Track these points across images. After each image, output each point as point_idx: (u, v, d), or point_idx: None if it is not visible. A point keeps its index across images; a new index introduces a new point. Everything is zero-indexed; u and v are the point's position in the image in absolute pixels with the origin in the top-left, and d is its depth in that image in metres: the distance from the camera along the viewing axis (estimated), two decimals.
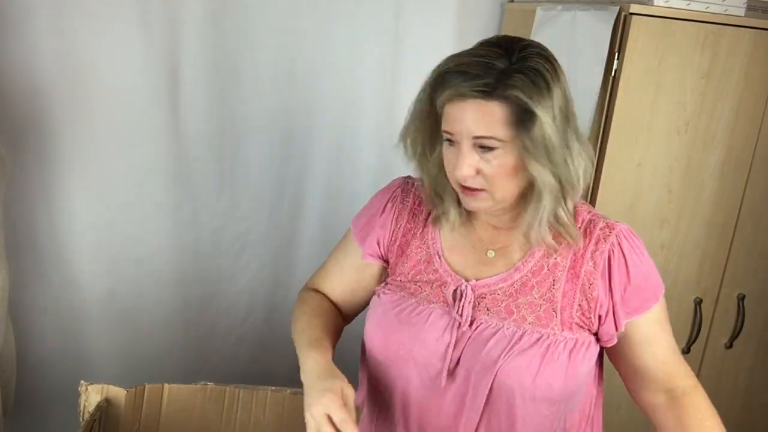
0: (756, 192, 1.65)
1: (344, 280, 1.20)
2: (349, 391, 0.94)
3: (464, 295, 1.02)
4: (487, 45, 0.95)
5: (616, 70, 1.49)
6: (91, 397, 1.16)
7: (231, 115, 1.77)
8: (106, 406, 1.17)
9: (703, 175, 1.61)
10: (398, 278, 1.09)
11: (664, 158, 1.57)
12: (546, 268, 1.02)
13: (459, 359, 1.01)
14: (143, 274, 1.79)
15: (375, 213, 1.15)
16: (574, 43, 1.55)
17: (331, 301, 1.21)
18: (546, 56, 0.94)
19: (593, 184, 1.57)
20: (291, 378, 1.26)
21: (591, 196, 1.57)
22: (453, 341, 1.01)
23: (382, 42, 1.83)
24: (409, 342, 1.03)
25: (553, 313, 1.00)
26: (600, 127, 1.54)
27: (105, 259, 1.74)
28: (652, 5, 1.46)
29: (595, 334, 1.03)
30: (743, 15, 1.53)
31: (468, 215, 1.07)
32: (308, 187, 1.90)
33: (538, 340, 0.98)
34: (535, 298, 1.01)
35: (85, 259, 1.73)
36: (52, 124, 1.61)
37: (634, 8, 1.45)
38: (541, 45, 0.96)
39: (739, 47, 1.52)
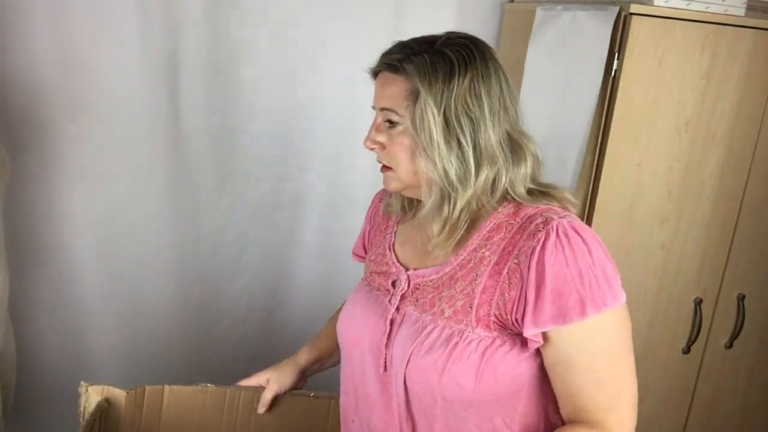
0: (756, 192, 1.65)
1: None
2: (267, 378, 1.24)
3: (400, 284, 1.03)
4: (428, 35, 0.98)
5: (616, 70, 1.49)
6: (92, 398, 1.16)
7: (231, 115, 1.77)
8: (106, 407, 1.17)
9: (703, 175, 1.61)
10: (366, 272, 1.15)
11: (664, 158, 1.57)
12: (473, 261, 0.96)
13: (392, 352, 1.00)
14: (143, 274, 1.79)
15: (364, 225, 1.23)
16: (574, 43, 1.55)
17: None
18: (468, 46, 0.94)
19: (593, 184, 1.57)
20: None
21: (591, 196, 1.57)
22: (387, 330, 1.01)
23: (382, 42, 1.82)
24: (360, 329, 1.06)
25: (470, 308, 0.94)
26: (600, 127, 1.54)
27: (105, 259, 1.74)
28: (652, 5, 1.45)
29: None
30: (743, 15, 1.53)
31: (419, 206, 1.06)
32: (308, 186, 1.90)
33: (449, 336, 0.93)
34: (456, 292, 0.96)
35: (84, 258, 1.73)
36: (52, 124, 1.61)
37: (634, 8, 1.45)
38: (475, 39, 0.97)
39: (739, 47, 1.52)
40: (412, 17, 1.83)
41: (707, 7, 1.50)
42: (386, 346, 1.01)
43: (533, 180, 0.98)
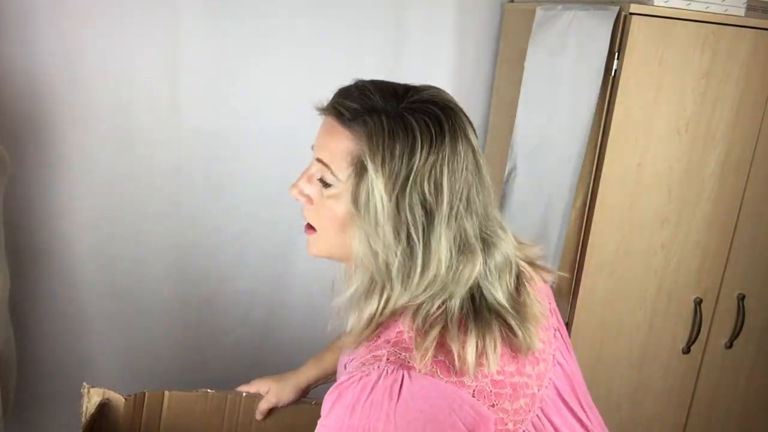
0: (756, 192, 1.65)
1: None
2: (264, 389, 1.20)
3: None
4: (402, 84, 0.82)
5: (616, 70, 1.49)
6: (93, 399, 1.15)
7: (231, 114, 1.77)
8: (108, 408, 1.17)
9: (703, 175, 1.61)
10: None
11: (664, 158, 1.57)
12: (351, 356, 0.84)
13: None
14: (143, 274, 1.79)
15: None
16: (574, 43, 1.55)
17: None
18: (439, 118, 0.77)
19: (593, 184, 1.57)
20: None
21: (591, 196, 1.57)
22: None
23: (382, 42, 1.83)
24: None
25: None
26: (600, 127, 1.54)
27: (105, 259, 1.74)
28: (652, 5, 1.45)
29: None
30: (743, 15, 1.53)
31: None
32: None
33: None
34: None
35: (85, 259, 1.73)
36: (52, 124, 1.61)
37: (634, 8, 1.45)
38: (449, 107, 0.80)
39: (739, 47, 1.52)
40: (412, 17, 1.83)
41: (707, 7, 1.50)
42: None
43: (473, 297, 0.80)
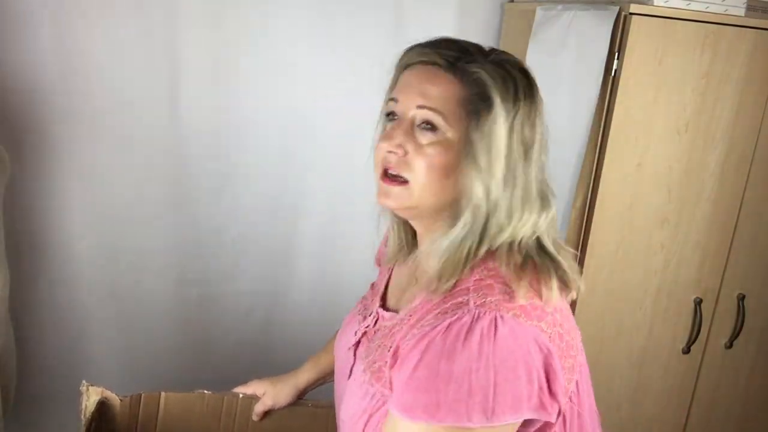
0: (756, 192, 1.65)
1: None
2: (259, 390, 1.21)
3: (369, 318, 0.97)
4: (472, 43, 0.87)
5: (616, 70, 1.49)
6: (92, 397, 1.15)
7: (231, 115, 1.76)
8: (106, 405, 1.17)
9: (703, 175, 1.61)
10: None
11: (664, 158, 1.57)
12: (407, 317, 0.86)
13: None
14: (143, 275, 1.79)
15: (384, 236, 1.16)
16: (574, 43, 1.55)
17: None
18: (527, 72, 0.85)
19: (593, 184, 1.57)
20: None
21: (591, 196, 1.58)
22: (351, 361, 0.97)
23: (382, 42, 1.83)
24: (338, 345, 1.04)
25: (385, 367, 0.84)
26: (600, 127, 1.54)
27: (105, 260, 1.74)
28: (652, 5, 1.45)
29: None
30: (743, 15, 1.53)
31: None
32: (308, 187, 1.90)
33: (366, 395, 0.85)
34: (386, 346, 0.86)
35: (85, 259, 1.73)
36: (52, 124, 1.61)
37: (634, 8, 1.45)
38: (527, 66, 0.87)
39: (739, 47, 1.52)
40: (412, 17, 1.83)
41: (707, 7, 1.50)
42: (348, 376, 0.97)
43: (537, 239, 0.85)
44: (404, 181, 0.84)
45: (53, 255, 1.71)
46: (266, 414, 1.24)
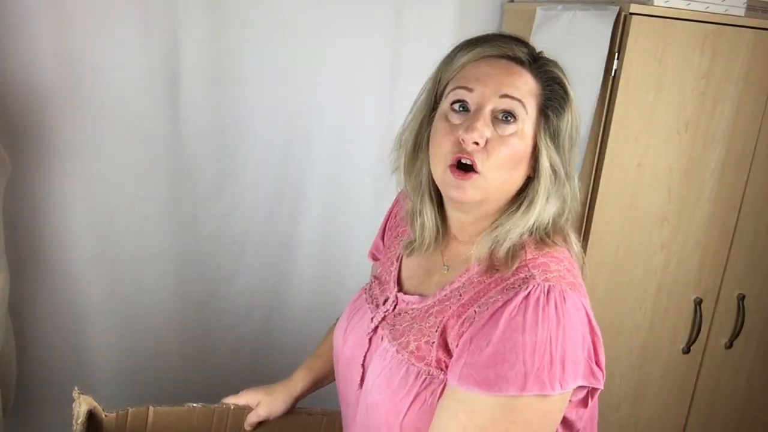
0: (756, 192, 1.65)
1: None
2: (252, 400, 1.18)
3: (387, 304, 0.98)
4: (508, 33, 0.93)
5: (616, 70, 1.49)
6: (83, 406, 1.13)
7: (231, 115, 1.76)
8: (95, 417, 1.15)
9: (703, 175, 1.61)
10: (372, 272, 1.12)
11: (664, 158, 1.57)
12: (452, 299, 0.88)
13: (366, 373, 0.96)
14: (143, 275, 1.79)
15: (383, 221, 1.17)
16: (574, 43, 1.55)
17: None
18: (565, 72, 0.92)
19: (593, 184, 1.57)
20: (290, 377, 1.26)
21: (591, 196, 1.57)
22: (366, 347, 0.97)
23: (382, 42, 1.83)
24: (345, 341, 1.04)
25: (431, 347, 0.86)
26: (600, 127, 1.54)
27: (105, 259, 1.74)
28: (652, 5, 1.45)
29: None
30: (743, 15, 1.53)
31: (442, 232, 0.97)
32: (308, 186, 1.90)
33: (409, 376, 0.86)
34: (425, 327, 0.88)
35: (85, 259, 1.72)
36: (52, 124, 1.61)
37: (634, 8, 1.45)
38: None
39: (739, 47, 1.52)
40: (412, 17, 1.83)
41: (707, 7, 1.50)
42: (363, 364, 0.98)
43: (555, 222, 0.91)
44: (475, 172, 0.85)
45: (53, 255, 1.70)
46: (259, 424, 1.21)
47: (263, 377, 1.39)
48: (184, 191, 1.78)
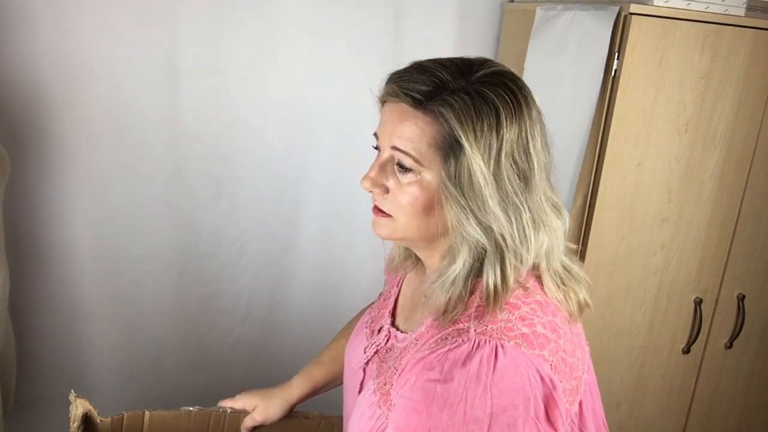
0: (756, 192, 1.65)
1: None
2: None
3: (380, 336, 0.96)
4: (456, 58, 0.83)
5: (616, 70, 1.49)
6: (80, 409, 1.12)
7: (231, 115, 1.76)
8: (90, 421, 1.14)
9: (703, 175, 1.61)
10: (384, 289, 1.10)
11: (664, 158, 1.57)
12: (415, 341, 0.85)
13: None
14: (143, 274, 1.79)
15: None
16: (574, 43, 1.55)
17: None
18: (513, 90, 0.79)
19: (593, 184, 1.57)
20: (290, 377, 1.26)
21: (591, 196, 1.57)
22: (360, 377, 0.97)
23: (382, 42, 1.83)
24: (348, 355, 1.03)
25: (391, 390, 0.83)
26: (600, 127, 1.54)
27: (105, 259, 1.74)
28: (652, 5, 1.45)
29: None
30: (743, 15, 1.53)
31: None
32: (308, 187, 1.90)
33: (373, 417, 0.84)
34: (395, 370, 0.85)
35: (85, 259, 1.72)
36: (52, 124, 1.61)
37: (634, 8, 1.45)
38: (516, 78, 0.82)
39: (739, 47, 1.52)
40: (412, 17, 1.83)
41: (707, 7, 1.50)
42: (358, 391, 0.97)
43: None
44: (385, 215, 0.84)
45: (53, 255, 1.70)
46: (254, 428, 1.20)
47: (263, 377, 1.39)
48: (184, 191, 1.78)
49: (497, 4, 1.93)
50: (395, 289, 1.02)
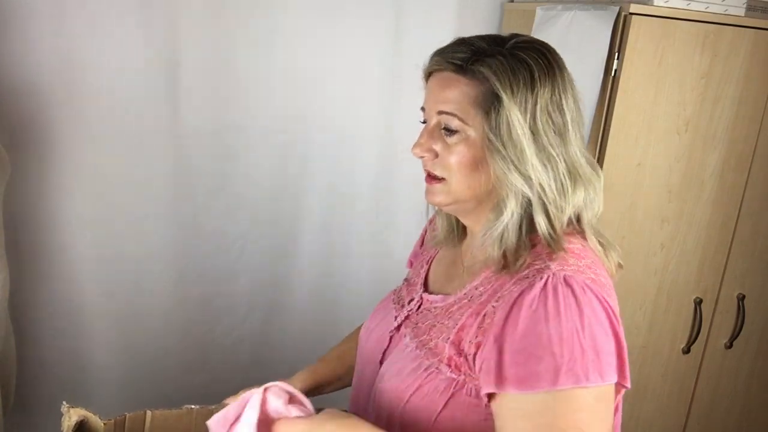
0: (756, 192, 1.65)
1: None
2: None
3: (412, 303, 1.00)
4: (489, 34, 0.91)
5: (616, 70, 1.49)
6: (73, 419, 1.11)
7: (231, 114, 1.76)
8: (88, 427, 1.13)
9: (703, 175, 1.61)
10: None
11: (664, 158, 1.57)
12: (470, 297, 0.89)
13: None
14: (143, 274, 1.79)
15: (423, 230, 1.18)
16: (574, 43, 1.55)
17: None
18: (545, 54, 0.88)
19: None
20: (290, 377, 1.26)
21: None
22: (385, 345, 1.00)
23: (382, 42, 1.83)
24: (368, 339, 1.05)
25: (445, 345, 0.87)
26: (600, 127, 1.54)
27: (105, 259, 1.74)
28: (652, 5, 1.45)
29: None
30: (743, 15, 1.53)
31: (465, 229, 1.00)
32: (308, 186, 1.90)
33: (418, 368, 0.88)
34: (445, 326, 0.89)
35: (85, 259, 1.72)
36: (52, 124, 1.61)
37: (634, 8, 1.45)
38: (548, 46, 0.90)
39: (739, 47, 1.52)
40: (412, 17, 1.83)
41: (707, 7, 1.50)
42: (380, 361, 1.00)
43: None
44: (442, 179, 0.90)
45: (53, 255, 1.70)
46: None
47: (263, 377, 1.39)
48: (184, 191, 1.78)
49: (497, 4, 1.93)
50: (425, 267, 1.06)
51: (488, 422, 0.82)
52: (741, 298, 1.73)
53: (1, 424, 1.48)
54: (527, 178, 0.84)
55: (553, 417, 0.75)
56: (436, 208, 1.01)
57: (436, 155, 0.89)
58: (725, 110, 1.56)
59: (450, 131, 0.88)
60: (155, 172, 1.74)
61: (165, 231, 1.79)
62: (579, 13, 1.55)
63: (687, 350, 1.74)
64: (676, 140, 1.56)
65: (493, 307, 0.83)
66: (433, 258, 1.07)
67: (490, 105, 0.84)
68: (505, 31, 1.90)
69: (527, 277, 0.82)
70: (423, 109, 0.92)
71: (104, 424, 1.12)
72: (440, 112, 0.88)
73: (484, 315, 0.84)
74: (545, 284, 0.79)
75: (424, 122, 0.92)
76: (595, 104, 1.52)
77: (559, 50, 0.99)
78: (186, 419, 1.17)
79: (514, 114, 0.83)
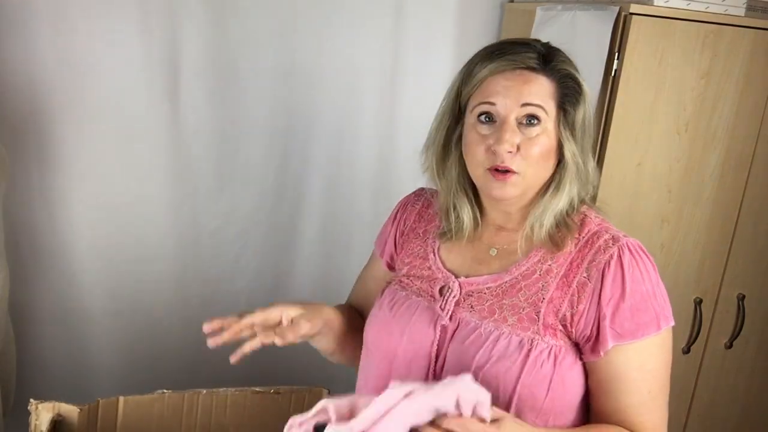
0: (756, 192, 1.65)
1: (363, 289, 1.21)
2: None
3: (450, 290, 1.01)
4: (525, 38, 1.03)
5: (616, 70, 1.49)
6: (42, 415, 1.10)
7: (231, 114, 1.77)
8: (60, 423, 1.13)
9: (703, 175, 1.61)
10: (398, 274, 1.11)
11: (664, 158, 1.57)
12: (538, 272, 0.98)
13: (445, 359, 0.99)
14: (143, 274, 1.79)
15: (389, 220, 1.18)
16: (574, 43, 1.55)
17: (356, 310, 1.22)
18: (571, 62, 1.00)
19: None
20: (290, 377, 1.26)
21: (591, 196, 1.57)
22: (437, 338, 0.99)
23: (382, 42, 1.83)
24: (398, 336, 1.03)
25: (536, 317, 0.95)
26: (600, 127, 1.54)
27: (105, 259, 1.74)
28: (652, 5, 1.46)
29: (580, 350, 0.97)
30: (743, 15, 1.53)
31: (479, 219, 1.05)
32: (308, 186, 1.90)
33: (520, 343, 0.94)
34: (520, 301, 0.97)
35: (85, 259, 1.73)
36: (52, 124, 1.61)
37: (634, 8, 1.45)
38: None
39: (739, 47, 1.52)
40: (412, 17, 1.83)
41: (707, 7, 1.50)
42: (437, 354, 0.99)
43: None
44: (513, 173, 0.95)
45: (53, 255, 1.71)
46: (242, 360, 1.12)
47: (263, 377, 1.39)
48: (184, 191, 1.78)
49: (497, 4, 1.93)
50: (434, 259, 1.06)
51: (581, 378, 0.96)
52: (741, 298, 1.73)
53: (1, 424, 1.48)
54: (580, 164, 0.98)
55: (655, 357, 0.99)
56: (441, 202, 1.06)
57: (518, 149, 0.95)
58: (725, 110, 1.56)
59: (532, 124, 0.95)
60: (155, 172, 1.74)
61: (165, 231, 1.79)
62: (579, 13, 1.55)
63: (687, 350, 1.74)
64: (676, 140, 1.56)
65: (585, 277, 0.95)
66: (436, 248, 1.07)
67: (563, 98, 0.96)
68: (505, 31, 1.92)
69: (607, 247, 0.96)
70: (490, 102, 0.95)
71: (80, 410, 1.12)
72: (526, 104, 0.94)
73: (576, 285, 0.95)
74: (629, 250, 0.95)
75: (487, 120, 0.96)
76: (595, 104, 1.52)
77: None
78: (158, 403, 1.20)
79: (586, 107, 0.98)
